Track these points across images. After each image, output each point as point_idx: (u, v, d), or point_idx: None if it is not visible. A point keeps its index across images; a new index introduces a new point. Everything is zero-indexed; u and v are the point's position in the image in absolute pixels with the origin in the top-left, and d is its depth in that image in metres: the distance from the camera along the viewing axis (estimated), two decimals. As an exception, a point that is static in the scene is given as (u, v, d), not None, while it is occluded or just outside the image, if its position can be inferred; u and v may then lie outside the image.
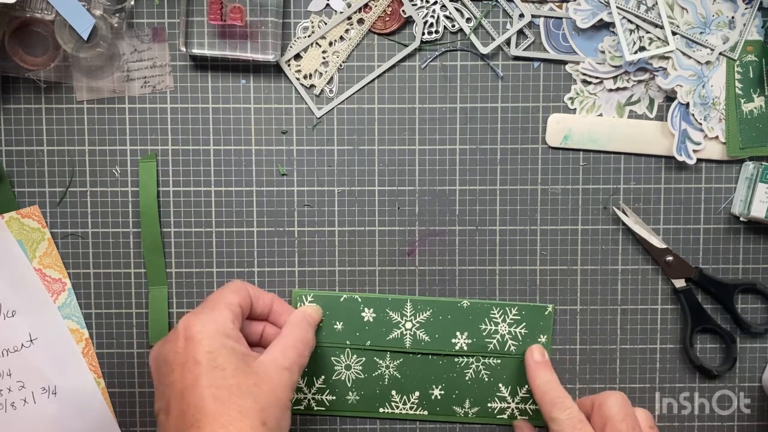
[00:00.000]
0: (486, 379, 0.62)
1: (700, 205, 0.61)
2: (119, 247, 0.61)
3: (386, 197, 0.61)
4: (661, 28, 0.58)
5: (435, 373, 0.61)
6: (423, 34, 0.60)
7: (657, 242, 0.61)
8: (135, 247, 0.61)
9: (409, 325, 0.60)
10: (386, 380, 0.61)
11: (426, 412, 0.62)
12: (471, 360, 0.61)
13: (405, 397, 0.62)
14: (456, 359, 0.61)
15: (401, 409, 0.62)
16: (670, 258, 0.61)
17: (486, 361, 0.61)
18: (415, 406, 0.62)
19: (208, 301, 0.52)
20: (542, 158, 0.61)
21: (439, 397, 0.62)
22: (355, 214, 0.61)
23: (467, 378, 0.61)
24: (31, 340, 0.60)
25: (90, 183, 0.61)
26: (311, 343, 0.55)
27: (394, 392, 0.61)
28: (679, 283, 0.61)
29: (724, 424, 0.63)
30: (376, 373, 0.61)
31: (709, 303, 0.62)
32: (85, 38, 0.56)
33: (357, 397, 0.62)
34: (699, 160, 0.61)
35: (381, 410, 0.62)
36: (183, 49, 0.59)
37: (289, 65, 0.60)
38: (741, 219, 0.60)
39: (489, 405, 0.62)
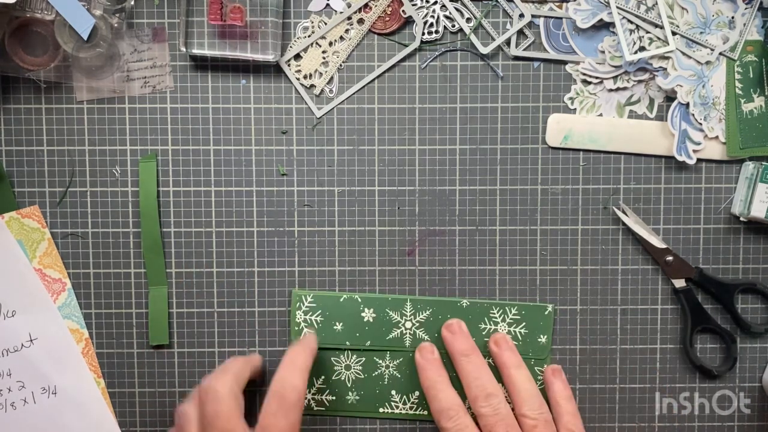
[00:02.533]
0: None
1: (700, 205, 0.61)
2: (119, 247, 0.61)
3: (386, 197, 0.61)
4: (661, 28, 0.58)
5: None
6: (423, 34, 0.60)
7: (657, 242, 0.61)
8: (135, 247, 0.61)
9: (408, 324, 0.60)
10: (386, 380, 0.61)
11: (426, 412, 0.62)
12: None
13: (405, 396, 0.62)
14: None
15: (401, 409, 0.62)
16: (670, 258, 0.61)
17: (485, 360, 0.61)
18: (416, 405, 0.62)
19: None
20: (542, 158, 0.61)
21: None
22: (355, 214, 0.61)
23: None
24: (31, 340, 0.60)
25: (90, 183, 0.61)
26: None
27: (393, 392, 0.61)
28: (679, 283, 0.61)
29: (724, 424, 0.63)
30: (376, 373, 0.61)
31: (709, 303, 0.62)
32: (85, 38, 0.56)
33: (357, 397, 0.62)
34: (699, 160, 0.61)
35: (381, 410, 0.62)
36: (183, 49, 0.59)
37: (289, 65, 0.60)
38: (741, 219, 0.60)
39: None
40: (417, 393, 0.62)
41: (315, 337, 0.59)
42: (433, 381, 0.57)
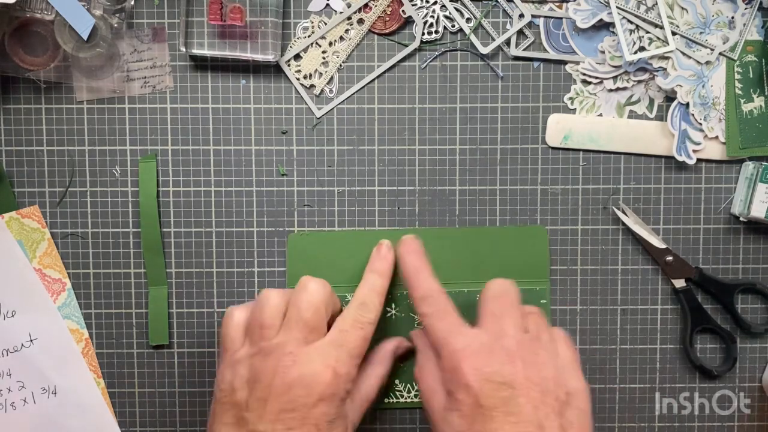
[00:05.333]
0: None
1: (700, 205, 0.61)
2: (119, 247, 0.61)
3: (386, 197, 0.61)
4: (661, 28, 0.58)
5: None
6: (423, 34, 0.60)
7: (657, 242, 0.61)
8: (135, 247, 0.61)
9: None
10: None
11: None
12: None
13: (409, 385, 0.61)
14: None
15: (406, 398, 0.62)
16: (670, 258, 0.61)
17: None
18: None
19: None
20: (542, 158, 0.61)
21: None
22: (355, 214, 0.61)
23: None
24: (31, 340, 0.60)
25: (90, 183, 0.61)
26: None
27: (397, 381, 0.61)
28: (679, 283, 0.61)
29: (724, 424, 0.63)
30: None
31: (709, 303, 0.62)
32: (85, 38, 0.56)
33: None
34: (699, 160, 0.61)
35: (386, 400, 0.62)
36: (183, 49, 0.59)
37: (289, 65, 0.60)
38: (741, 219, 0.60)
39: None
40: None
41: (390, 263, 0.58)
42: (414, 269, 0.56)
